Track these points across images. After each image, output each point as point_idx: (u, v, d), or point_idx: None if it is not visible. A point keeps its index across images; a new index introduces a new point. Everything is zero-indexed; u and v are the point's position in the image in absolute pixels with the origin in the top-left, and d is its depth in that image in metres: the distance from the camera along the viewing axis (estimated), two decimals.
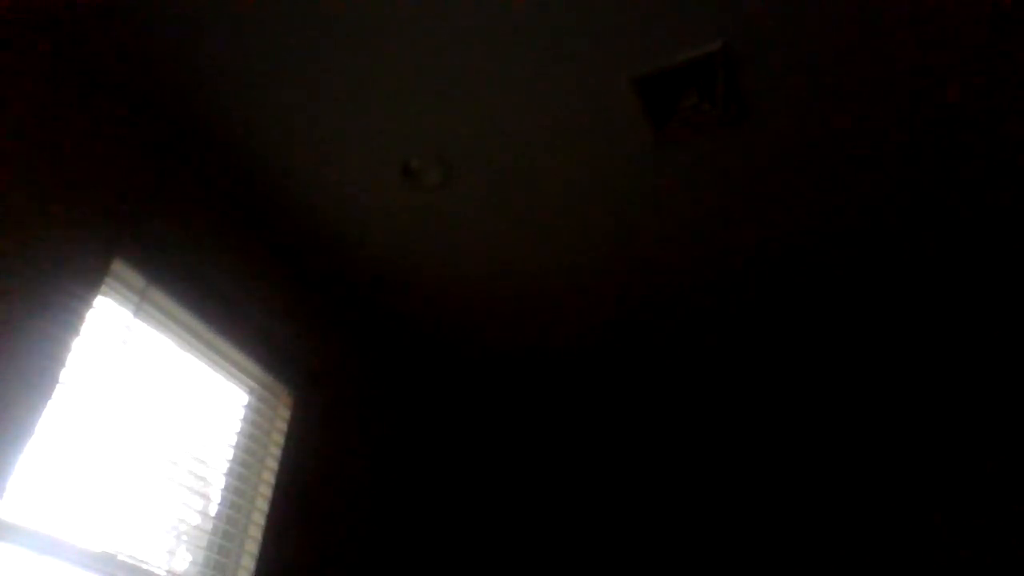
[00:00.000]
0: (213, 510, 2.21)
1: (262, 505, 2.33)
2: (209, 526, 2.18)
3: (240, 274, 2.43)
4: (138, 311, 2.07)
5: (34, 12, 1.88)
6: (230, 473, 2.28)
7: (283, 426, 2.50)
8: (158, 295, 2.13)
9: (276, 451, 2.45)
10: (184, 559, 2.07)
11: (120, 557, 1.83)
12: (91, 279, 1.91)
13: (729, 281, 2.64)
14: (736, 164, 2.18)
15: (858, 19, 1.77)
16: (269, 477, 2.39)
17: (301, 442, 2.54)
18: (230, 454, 2.29)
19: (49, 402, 1.72)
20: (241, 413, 2.40)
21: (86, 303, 1.88)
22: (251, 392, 2.46)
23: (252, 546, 2.25)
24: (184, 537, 2.06)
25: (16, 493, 1.64)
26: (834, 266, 2.52)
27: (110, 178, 2.04)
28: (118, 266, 2.03)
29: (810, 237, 2.41)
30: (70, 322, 1.82)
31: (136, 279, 2.08)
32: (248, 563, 2.22)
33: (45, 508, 1.69)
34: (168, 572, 1.97)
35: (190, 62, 1.99)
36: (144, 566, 1.89)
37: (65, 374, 1.78)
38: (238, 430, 2.36)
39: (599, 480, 3.69)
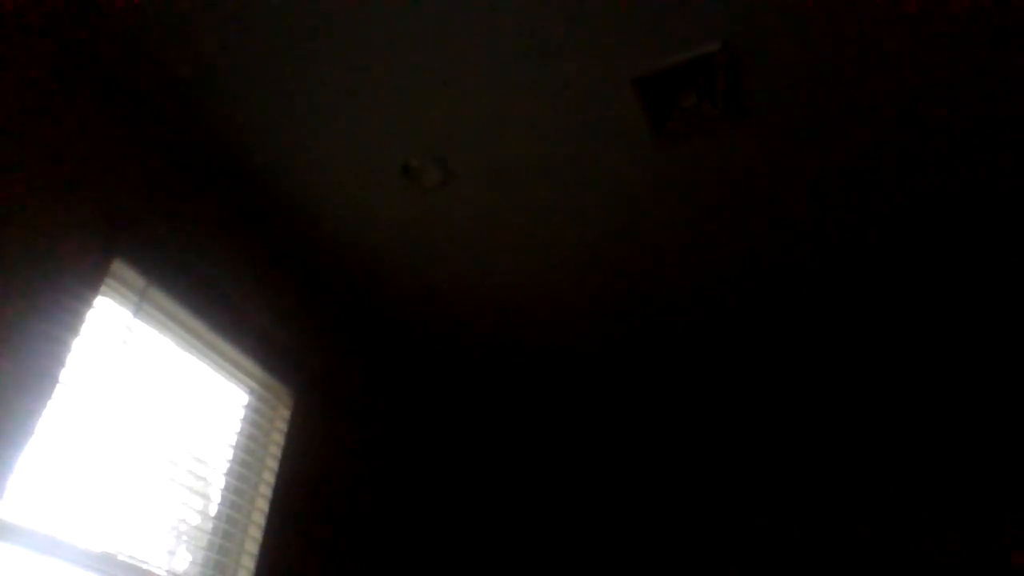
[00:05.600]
0: (213, 510, 2.21)
1: (262, 505, 2.33)
2: (209, 526, 2.18)
3: (240, 274, 2.43)
4: (138, 311, 2.07)
5: (34, 12, 1.87)
6: (230, 473, 2.28)
7: (283, 426, 2.50)
8: (158, 295, 2.13)
9: (276, 451, 2.45)
10: (184, 559, 2.07)
11: (120, 557, 1.83)
12: (91, 279, 1.91)
13: (729, 280, 2.64)
14: (736, 164, 2.18)
15: (858, 18, 1.77)
16: (269, 477, 2.39)
17: (301, 442, 2.54)
18: (230, 454, 2.29)
19: (49, 402, 1.72)
20: (241, 413, 2.40)
21: (86, 303, 1.88)
22: (251, 392, 2.46)
23: (252, 546, 2.25)
24: (184, 537, 2.06)
25: (16, 493, 1.64)
26: (834, 265, 2.52)
27: (110, 178, 2.04)
28: (118, 266, 2.03)
29: (810, 236, 2.41)
30: (70, 322, 1.82)
31: (136, 279, 2.08)
32: (248, 563, 2.22)
33: (45, 508, 1.69)
34: (168, 572, 1.97)
35: (190, 62, 1.99)
36: (144, 566, 1.89)
37: (65, 374, 1.78)
38: (238, 430, 2.36)
39: (599, 480, 3.69)
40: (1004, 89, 1.90)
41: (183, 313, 2.19)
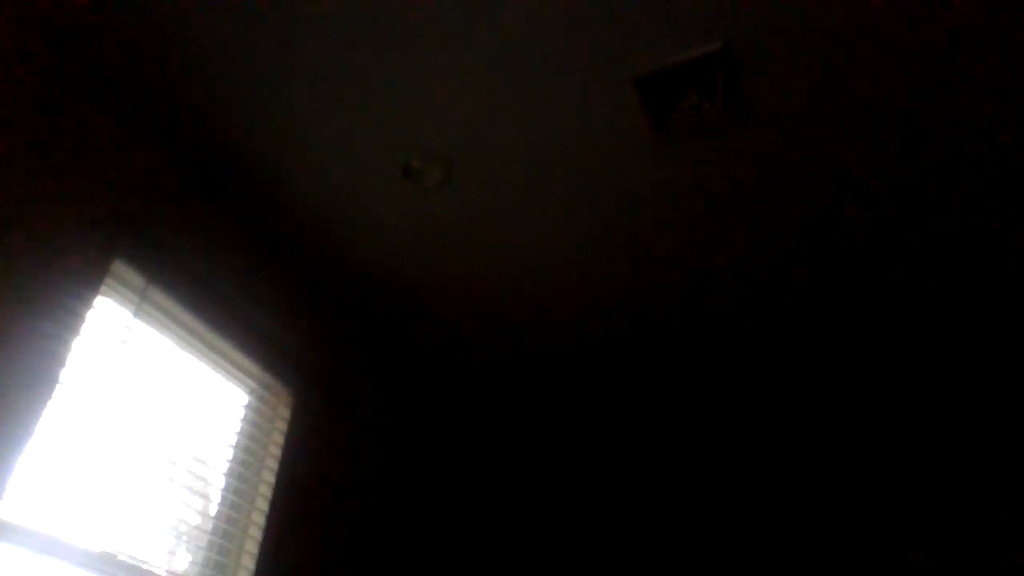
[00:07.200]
0: (213, 510, 2.21)
1: (262, 505, 2.33)
2: (209, 526, 2.18)
3: (240, 274, 2.43)
4: (138, 311, 2.07)
5: (34, 12, 1.87)
6: (230, 473, 2.28)
7: (283, 426, 2.50)
8: (158, 295, 2.13)
9: (276, 451, 2.45)
10: (184, 559, 2.07)
11: (120, 557, 1.83)
12: (91, 279, 1.91)
13: (729, 280, 2.64)
14: (736, 164, 2.18)
15: (858, 19, 1.77)
16: (269, 477, 2.39)
17: (301, 442, 2.54)
18: (230, 454, 2.29)
19: (49, 402, 1.72)
20: (241, 413, 2.40)
21: (86, 303, 1.88)
22: (251, 392, 2.46)
23: (252, 546, 2.25)
24: (184, 537, 2.06)
25: (16, 493, 1.64)
26: (834, 265, 2.52)
27: (110, 178, 2.04)
28: (118, 266, 2.03)
29: (810, 236, 2.41)
30: (70, 322, 1.82)
31: (136, 279, 2.08)
32: (248, 563, 2.22)
33: (45, 508, 1.69)
34: (168, 572, 1.97)
35: (190, 62, 1.99)
36: (144, 566, 1.89)
37: (65, 374, 1.78)
38: (238, 430, 2.36)
39: (599, 480, 3.69)
40: (1005, 88, 1.90)
41: (183, 313, 2.20)
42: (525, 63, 1.94)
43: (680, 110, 2.01)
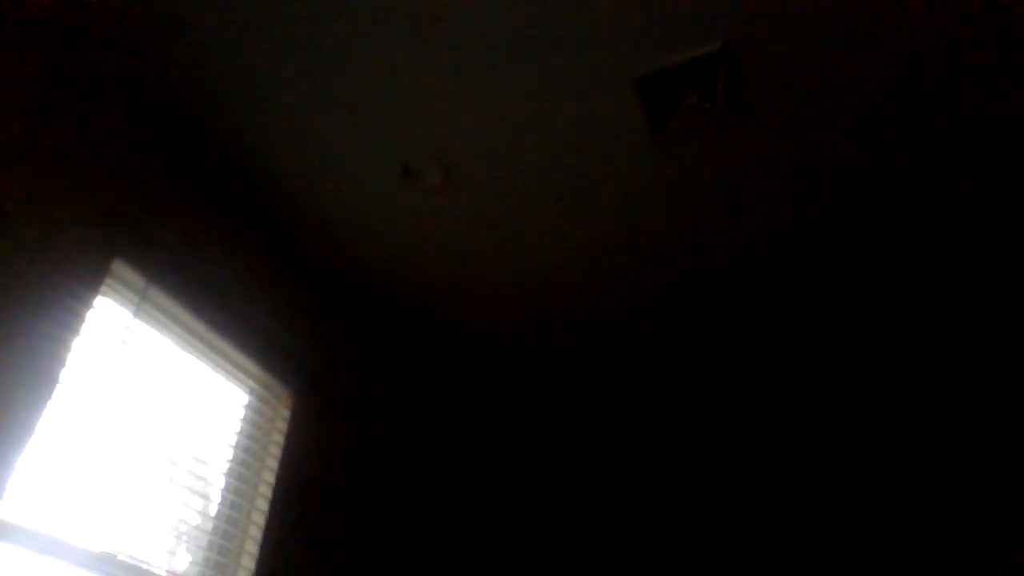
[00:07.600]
0: (213, 510, 2.21)
1: (262, 505, 2.33)
2: (209, 526, 2.18)
3: (240, 274, 2.43)
4: (138, 311, 2.07)
5: (34, 12, 1.87)
6: (230, 473, 2.28)
7: (283, 426, 2.50)
8: (158, 295, 2.13)
9: (276, 451, 2.45)
10: (184, 559, 2.07)
11: (120, 557, 1.83)
12: (91, 279, 1.91)
13: (729, 281, 2.64)
14: (736, 164, 2.18)
15: (858, 19, 1.77)
16: (269, 477, 2.39)
17: (301, 442, 2.54)
18: (230, 454, 2.29)
19: (49, 402, 1.72)
20: (241, 413, 2.40)
21: (86, 303, 1.88)
22: (251, 392, 2.46)
23: (252, 546, 2.25)
24: (184, 537, 2.06)
25: (16, 493, 1.64)
26: (834, 265, 2.52)
27: (110, 178, 2.04)
28: (118, 266, 2.03)
29: (810, 236, 2.41)
30: (70, 322, 1.82)
31: (136, 279, 2.08)
32: (248, 563, 2.22)
33: (45, 508, 1.69)
34: (168, 572, 1.97)
35: (191, 62, 1.99)
36: (144, 566, 1.89)
37: (65, 374, 1.78)
38: (238, 430, 2.36)
39: (599, 481, 3.69)
40: (1006, 90, 1.90)
41: (183, 313, 2.19)
42: (525, 63, 1.94)
43: (680, 110, 2.01)
